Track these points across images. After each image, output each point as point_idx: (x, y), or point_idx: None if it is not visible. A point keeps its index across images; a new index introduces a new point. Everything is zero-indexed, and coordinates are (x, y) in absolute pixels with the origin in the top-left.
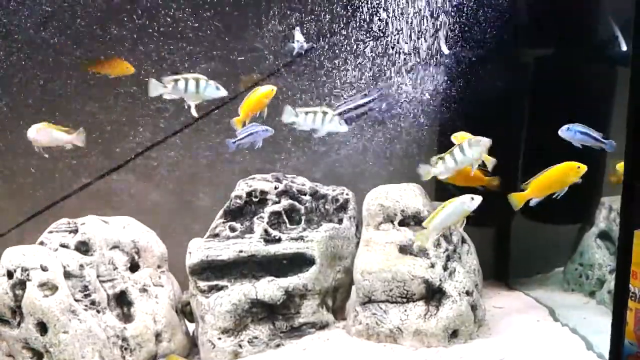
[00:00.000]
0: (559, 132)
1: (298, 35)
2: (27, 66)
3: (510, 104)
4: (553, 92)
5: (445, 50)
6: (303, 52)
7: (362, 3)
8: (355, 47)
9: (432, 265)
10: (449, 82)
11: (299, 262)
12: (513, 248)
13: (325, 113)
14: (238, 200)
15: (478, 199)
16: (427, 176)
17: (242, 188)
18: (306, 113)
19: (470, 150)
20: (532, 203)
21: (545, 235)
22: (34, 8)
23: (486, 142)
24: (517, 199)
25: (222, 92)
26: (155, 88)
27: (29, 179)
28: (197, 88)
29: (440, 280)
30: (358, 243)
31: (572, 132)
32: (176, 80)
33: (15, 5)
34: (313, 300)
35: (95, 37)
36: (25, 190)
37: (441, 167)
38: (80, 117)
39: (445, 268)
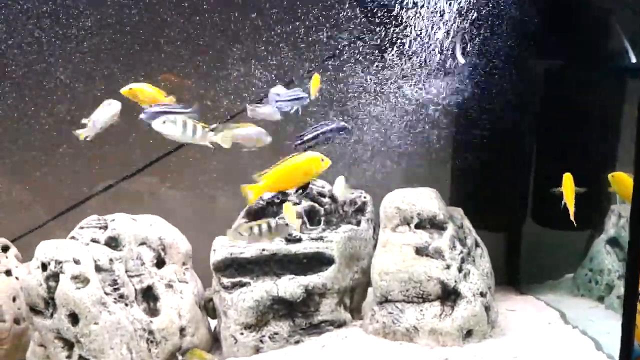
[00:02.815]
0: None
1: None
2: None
3: (521, 115)
4: (562, 103)
5: (461, 60)
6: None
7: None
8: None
9: (448, 267)
10: (462, 91)
11: (318, 262)
12: (524, 254)
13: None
14: (260, 201)
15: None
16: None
17: None
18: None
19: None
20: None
21: (555, 241)
22: None
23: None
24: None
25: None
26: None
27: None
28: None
29: (455, 281)
30: (375, 244)
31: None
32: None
33: None
34: (332, 298)
35: None
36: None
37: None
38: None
39: (460, 270)
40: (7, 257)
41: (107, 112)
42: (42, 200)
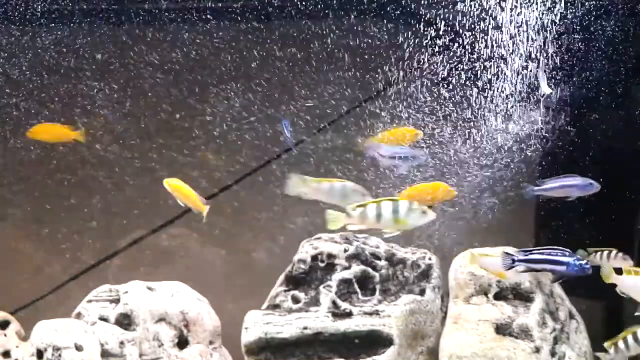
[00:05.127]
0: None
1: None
2: None
3: (625, 149)
4: None
5: (546, 90)
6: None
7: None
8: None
9: (537, 350)
10: (551, 127)
11: (373, 342)
12: (627, 323)
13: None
14: (302, 265)
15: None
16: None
17: (306, 250)
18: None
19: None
20: None
21: None
22: None
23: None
24: None
25: None
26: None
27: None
28: None
29: None
30: (444, 318)
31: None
32: None
33: None
34: None
35: None
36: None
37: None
38: None
39: (552, 354)
40: (5, 336)
41: None
42: (58, 258)
